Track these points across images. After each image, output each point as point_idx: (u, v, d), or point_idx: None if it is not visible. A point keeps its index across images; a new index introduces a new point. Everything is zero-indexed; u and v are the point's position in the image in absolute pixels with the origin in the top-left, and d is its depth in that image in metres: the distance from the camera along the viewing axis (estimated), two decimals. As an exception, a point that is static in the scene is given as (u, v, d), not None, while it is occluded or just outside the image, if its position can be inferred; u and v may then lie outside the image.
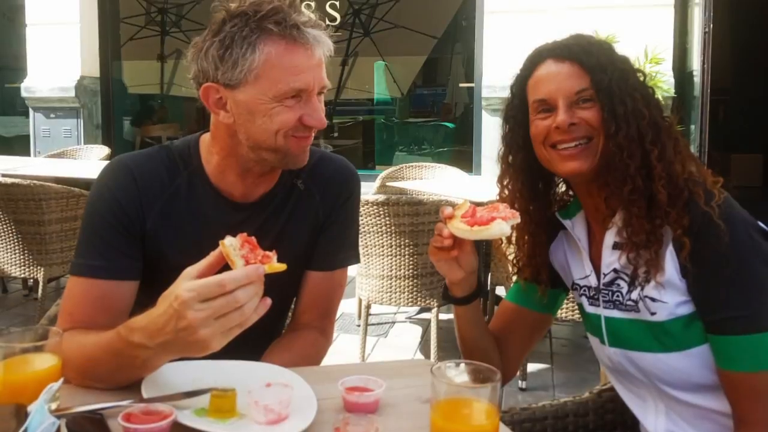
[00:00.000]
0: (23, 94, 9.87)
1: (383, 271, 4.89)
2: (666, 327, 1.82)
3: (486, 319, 2.16)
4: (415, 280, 4.85)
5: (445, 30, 12.18)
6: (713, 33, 7.13)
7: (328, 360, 2.25)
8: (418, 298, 4.90)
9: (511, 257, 2.20)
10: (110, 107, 10.53)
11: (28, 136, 10.09)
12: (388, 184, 6.74)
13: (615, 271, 1.92)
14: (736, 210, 1.77)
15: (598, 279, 1.98)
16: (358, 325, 5.53)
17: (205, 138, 2.12)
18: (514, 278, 2.23)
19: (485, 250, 5.16)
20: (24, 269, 5.47)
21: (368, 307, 5.12)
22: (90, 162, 7.86)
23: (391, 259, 4.84)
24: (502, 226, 1.74)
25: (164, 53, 13.11)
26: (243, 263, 1.52)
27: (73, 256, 2.01)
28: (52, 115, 9.86)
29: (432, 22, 12.01)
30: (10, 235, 5.42)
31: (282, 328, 2.36)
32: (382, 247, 4.83)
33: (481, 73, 8.38)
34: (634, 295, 1.86)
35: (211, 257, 1.56)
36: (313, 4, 10.31)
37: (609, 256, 1.94)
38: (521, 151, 2.01)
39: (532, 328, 2.25)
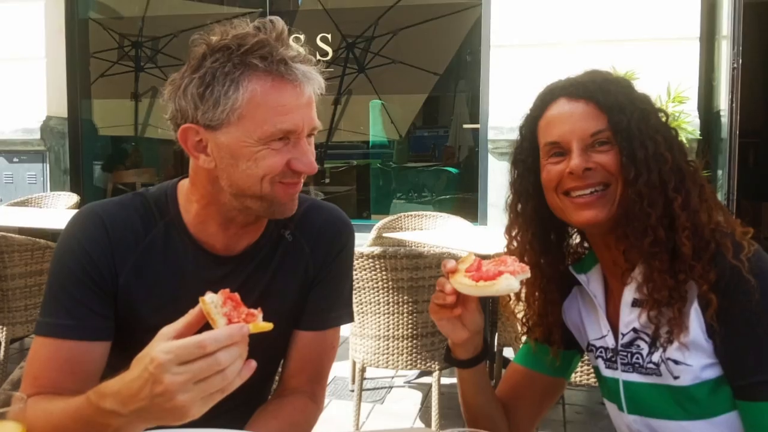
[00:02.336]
0: (-17, 136, 9.90)
1: (379, 330, 4.87)
2: (691, 392, 1.82)
3: (493, 384, 2.16)
4: (414, 341, 4.83)
5: (447, 66, 12.22)
6: (742, 69, 7.14)
7: (318, 428, 2.24)
8: (418, 361, 4.87)
9: (520, 316, 2.20)
10: (79, 150, 10.53)
11: (-11, 182, 10.10)
12: (384, 235, 6.74)
13: (634, 330, 1.92)
14: (768, 264, 1.78)
15: (616, 339, 1.98)
16: (352, 390, 5.51)
17: (184, 184, 2.12)
18: (524, 339, 2.23)
19: (492, 307, 5.16)
20: (-17, 329, 5.43)
21: (363, 370, 5.09)
22: (57, 211, 7.88)
23: (388, 317, 4.82)
24: (511, 281, 1.74)
25: (138, 91, 13.12)
26: (225, 322, 1.51)
27: (39, 314, 2.01)
28: (15, 159, 9.87)
29: (433, 58, 12.06)
30: (-32, 291, 5.38)
31: (268, 393, 2.35)
32: (378, 304, 4.82)
33: (487, 114, 8.41)
34: (656, 357, 1.86)
35: (190, 316, 1.55)
36: (302, 37, 10.23)
37: (628, 314, 1.94)
38: (531, 199, 2.02)
39: (543, 394, 2.24)
